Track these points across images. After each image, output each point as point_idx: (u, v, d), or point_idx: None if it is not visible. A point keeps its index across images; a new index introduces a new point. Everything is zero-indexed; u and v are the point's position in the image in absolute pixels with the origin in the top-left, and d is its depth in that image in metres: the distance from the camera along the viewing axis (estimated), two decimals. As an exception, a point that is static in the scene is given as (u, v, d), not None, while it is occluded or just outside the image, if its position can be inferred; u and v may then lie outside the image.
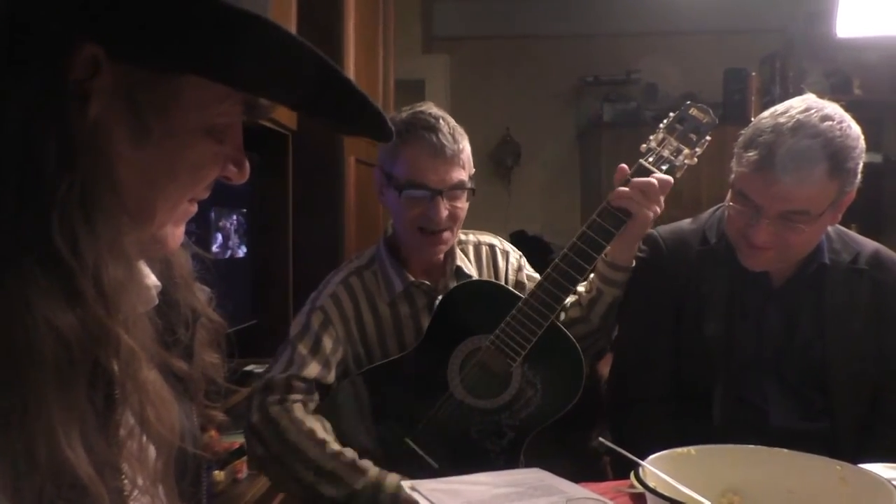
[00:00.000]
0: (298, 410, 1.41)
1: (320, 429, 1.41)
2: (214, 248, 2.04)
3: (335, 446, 1.39)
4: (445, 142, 1.43)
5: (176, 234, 0.63)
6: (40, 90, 0.49)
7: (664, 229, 1.59)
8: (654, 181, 1.42)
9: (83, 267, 0.50)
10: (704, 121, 1.47)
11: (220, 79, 0.56)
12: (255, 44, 0.53)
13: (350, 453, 1.39)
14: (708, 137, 1.47)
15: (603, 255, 1.48)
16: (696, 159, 1.48)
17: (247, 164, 0.64)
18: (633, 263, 1.53)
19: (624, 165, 1.46)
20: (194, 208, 0.64)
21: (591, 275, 1.55)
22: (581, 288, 1.58)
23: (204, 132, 0.59)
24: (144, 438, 0.57)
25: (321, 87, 0.58)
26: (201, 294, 0.69)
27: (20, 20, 0.49)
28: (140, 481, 0.57)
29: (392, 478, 1.36)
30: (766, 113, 1.42)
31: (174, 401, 0.59)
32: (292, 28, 1.99)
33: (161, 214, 0.60)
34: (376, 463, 1.39)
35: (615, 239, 1.44)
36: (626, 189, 1.41)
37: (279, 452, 1.39)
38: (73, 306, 0.50)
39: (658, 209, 1.44)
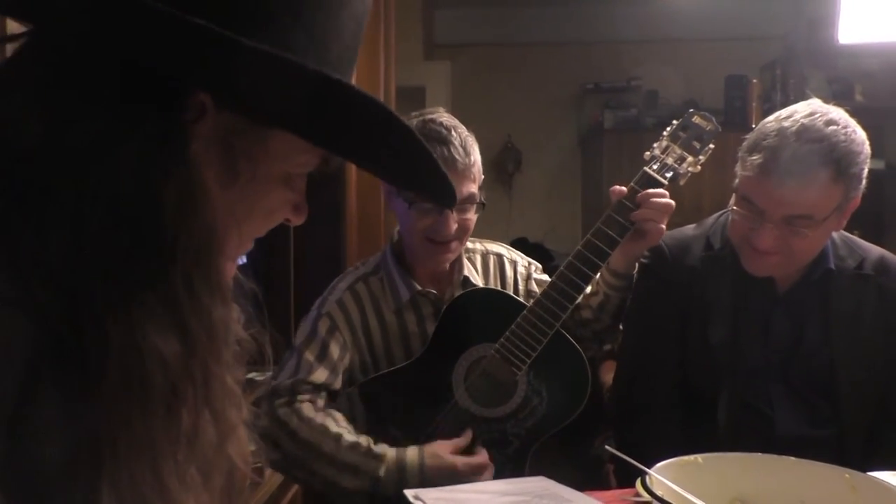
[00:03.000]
0: (308, 410, 1.41)
1: (332, 423, 1.40)
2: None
3: (350, 438, 1.39)
4: (457, 155, 1.41)
5: (232, 268, 0.66)
6: (159, 133, 0.52)
7: (668, 235, 1.57)
8: (671, 201, 1.41)
9: (197, 307, 0.54)
10: (708, 128, 1.48)
11: (308, 138, 0.59)
12: (346, 110, 0.56)
13: (365, 441, 1.39)
14: (711, 145, 1.48)
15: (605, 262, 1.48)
16: (699, 167, 1.48)
17: (306, 210, 0.67)
18: (636, 269, 1.53)
19: (616, 187, 1.45)
20: (251, 246, 0.67)
21: (597, 276, 1.54)
22: (588, 289, 1.58)
23: (281, 180, 0.62)
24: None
25: (404, 156, 0.62)
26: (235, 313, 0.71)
27: (147, 66, 0.52)
28: None
29: (412, 451, 1.37)
30: (770, 117, 1.41)
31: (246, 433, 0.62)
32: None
33: (231, 252, 0.63)
34: None
35: (619, 247, 1.43)
36: (648, 210, 1.41)
37: (294, 451, 1.39)
38: (181, 341, 0.53)
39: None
